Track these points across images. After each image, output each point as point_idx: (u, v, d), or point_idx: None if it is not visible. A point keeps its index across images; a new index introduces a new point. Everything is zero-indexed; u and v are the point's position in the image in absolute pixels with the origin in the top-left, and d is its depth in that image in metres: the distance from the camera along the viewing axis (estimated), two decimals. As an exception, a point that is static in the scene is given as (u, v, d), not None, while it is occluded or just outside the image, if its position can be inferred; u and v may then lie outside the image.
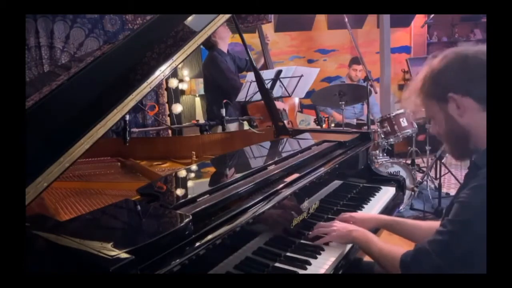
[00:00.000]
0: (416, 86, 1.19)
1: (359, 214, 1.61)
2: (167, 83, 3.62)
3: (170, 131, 3.35)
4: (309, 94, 3.31)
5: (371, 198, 1.89)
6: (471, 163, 1.15)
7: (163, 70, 1.44)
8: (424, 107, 1.19)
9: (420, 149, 4.14)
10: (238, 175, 1.37)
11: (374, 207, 1.81)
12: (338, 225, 1.41)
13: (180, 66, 3.97)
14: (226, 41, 3.45)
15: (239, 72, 3.59)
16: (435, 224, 1.34)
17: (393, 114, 3.58)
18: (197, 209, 1.08)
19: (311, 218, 1.52)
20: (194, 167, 1.77)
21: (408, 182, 3.36)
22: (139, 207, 1.13)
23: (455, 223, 1.06)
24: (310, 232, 1.45)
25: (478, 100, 1.07)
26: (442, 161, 4.14)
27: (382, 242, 1.29)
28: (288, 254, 1.35)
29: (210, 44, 3.37)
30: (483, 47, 1.09)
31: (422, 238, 1.23)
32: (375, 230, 1.58)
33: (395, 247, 1.23)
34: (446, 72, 1.12)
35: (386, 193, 1.98)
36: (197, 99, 4.58)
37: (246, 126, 2.78)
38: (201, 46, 3.81)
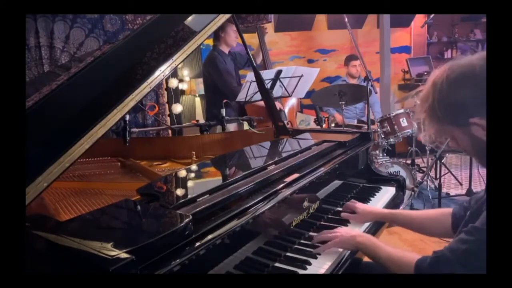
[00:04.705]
0: (426, 112, 1.09)
1: (361, 204, 1.64)
2: (167, 83, 3.62)
3: (170, 131, 3.35)
4: (309, 94, 3.31)
5: (371, 198, 1.89)
6: None
7: (163, 70, 1.44)
8: (441, 131, 1.10)
9: (420, 149, 4.14)
10: (238, 175, 1.37)
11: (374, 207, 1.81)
12: (341, 231, 1.40)
13: (180, 66, 3.97)
14: (229, 47, 3.48)
15: (239, 69, 3.59)
16: (428, 212, 1.48)
17: (393, 114, 3.58)
18: (197, 209, 1.08)
19: (311, 218, 1.52)
20: (194, 167, 1.77)
21: (408, 182, 3.36)
22: (139, 207, 1.13)
23: (485, 232, 0.96)
24: (313, 237, 1.43)
25: None
26: (442, 161, 4.14)
27: (389, 247, 1.26)
28: (288, 254, 1.34)
29: (216, 37, 3.40)
30: (483, 54, 1.01)
31: (417, 226, 1.44)
32: (376, 230, 1.60)
33: (406, 252, 1.21)
34: (457, 95, 1.02)
35: (386, 193, 1.98)
36: (197, 99, 4.58)
37: (245, 126, 2.78)
38: (201, 46, 3.84)
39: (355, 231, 1.41)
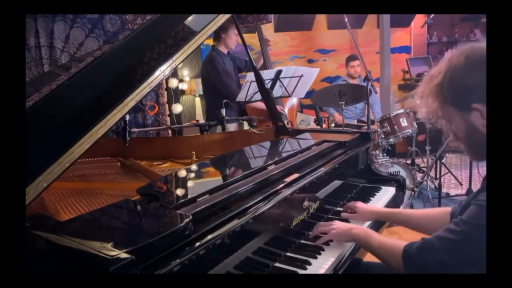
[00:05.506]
0: (432, 88, 1.08)
1: (361, 203, 1.65)
2: (167, 83, 3.62)
3: (170, 131, 3.35)
4: (309, 94, 3.31)
5: (371, 198, 1.89)
6: None
7: (163, 70, 1.44)
8: (440, 110, 1.10)
9: (420, 149, 4.14)
10: (238, 175, 1.37)
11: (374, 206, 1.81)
12: (337, 224, 1.42)
13: (180, 66, 3.97)
14: (228, 49, 3.49)
15: (239, 73, 3.59)
16: (428, 211, 1.49)
17: (393, 114, 3.58)
18: (197, 209, 1.08)
19: (311, 218, 1.52)
20: (194, 167, 1.77)
21: (408, 182, 3.36)
22: (139, 207, 1.13)
23: (470, 225, 1.02)
24: (311, 233, 1.45)
25: None
26: (442, 161, 4.14)
27: (382, 237, 1.31)
28: (288, 254, 1.35)
29: (216, 37, 3.41)
30: None
31: (417, 225, 1.44)
32: (376, 230, 1.60)
33: (397, 240, 1.24)
34: (470, 77, 1.01)
35: (386, 193, 1.98)
36: (197, 99, 4.58)
37: (246, 127, 2.78)
38: (201, 46, 3.84)
39: (351, 224, 1.44)
